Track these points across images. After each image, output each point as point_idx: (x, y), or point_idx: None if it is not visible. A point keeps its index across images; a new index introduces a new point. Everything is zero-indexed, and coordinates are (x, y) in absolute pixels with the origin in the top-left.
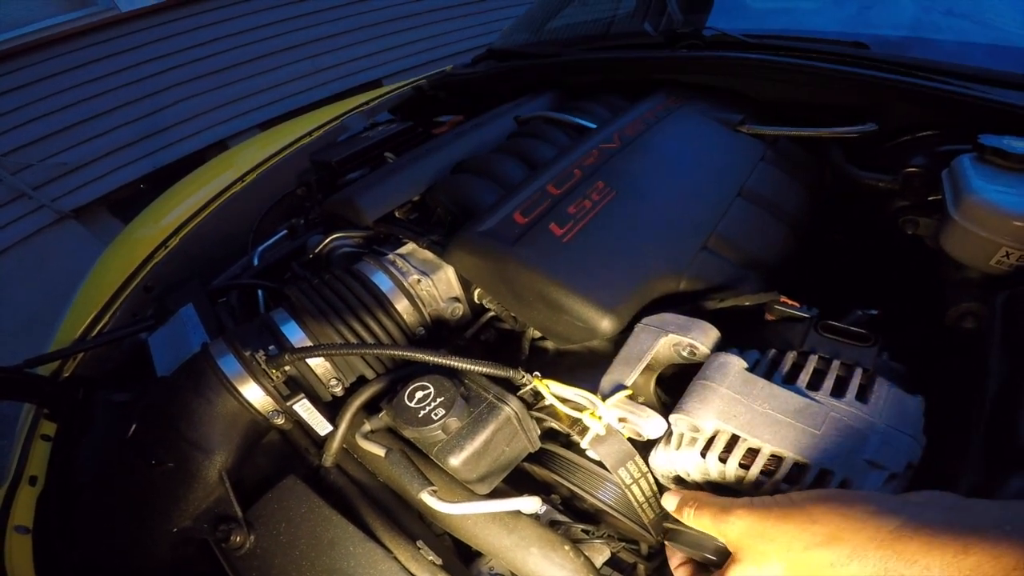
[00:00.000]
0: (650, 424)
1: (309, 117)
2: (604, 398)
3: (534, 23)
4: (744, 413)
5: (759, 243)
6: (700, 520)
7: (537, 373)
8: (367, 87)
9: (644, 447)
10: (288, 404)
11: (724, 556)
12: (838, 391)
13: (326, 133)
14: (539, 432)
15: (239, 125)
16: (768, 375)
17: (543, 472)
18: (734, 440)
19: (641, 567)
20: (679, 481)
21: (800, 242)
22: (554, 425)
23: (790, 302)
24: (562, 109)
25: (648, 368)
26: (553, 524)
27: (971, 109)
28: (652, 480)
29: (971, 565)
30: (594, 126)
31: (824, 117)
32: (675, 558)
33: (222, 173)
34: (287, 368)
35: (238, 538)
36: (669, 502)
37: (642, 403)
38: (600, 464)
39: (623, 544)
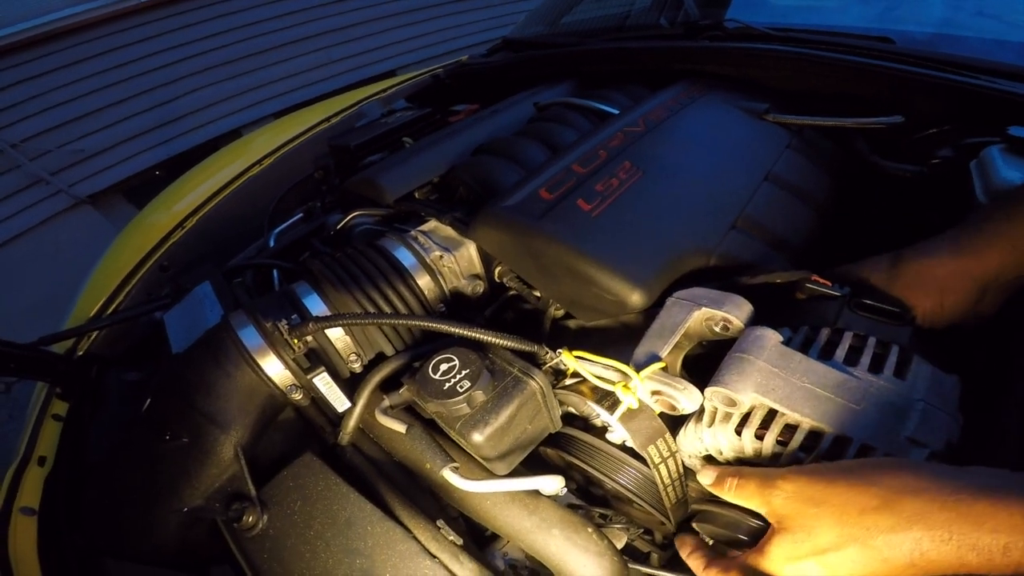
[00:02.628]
0: (687, 396)
1: (325, 104)
2: (638, 370)
3: (549, 15)
4: (783, 387)
5: (787, 226)
6: (743, 492)
7: (564, 348)
8: (380, 78)
9: (671, 427)
10: (308, 377)
11: (757, 537)
12: (875, 368)
13: (343, 119)
14: (560, 412)
15: (253, 115)
16: (803, 351)
17: (558, 456)
18: (771, 416)
19: (655, 555)
20: (710, 460)
21: (827, 227)
22: (571, 409)
23: (822, 280)
24: (582, 96)
25: (677, 346)
26: (572, 508)
27: (997, 103)
28: (679, 461)
29: None
30: (616, 112)
31: (849, 109)
32: (685, 547)
33: (236, 160)
34: (308, 339)
35: (251, 518)
36: (706, 477)
37: None
38: (621, 448)
39: (640, 532)
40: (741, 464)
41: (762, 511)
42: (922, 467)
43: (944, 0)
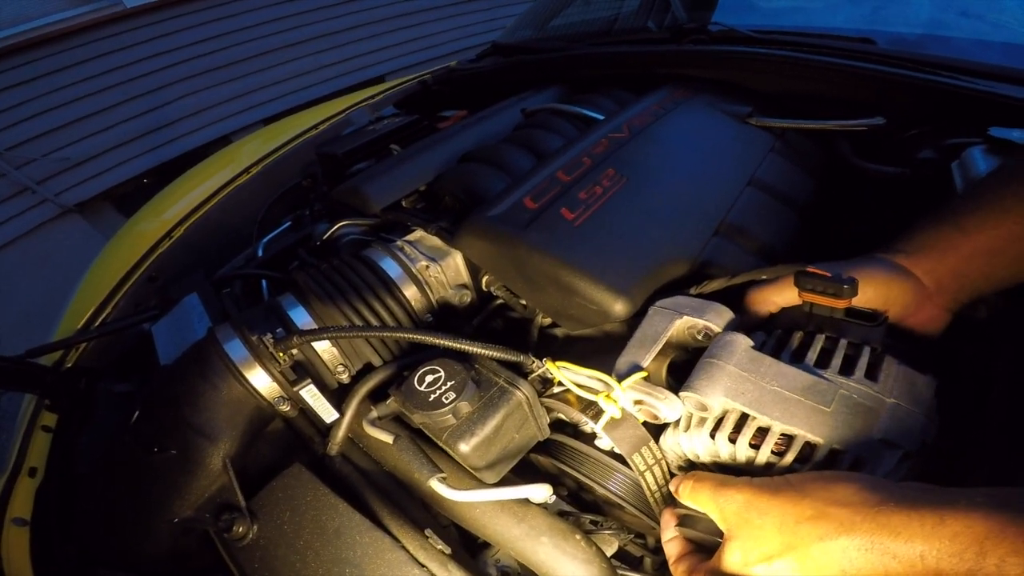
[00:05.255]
0: (668, 405)
1: (313, 111)
2: (620, 379)
3: (538, 20)
4: (752, 390)
5: (770, 231)
6: (697, 496)
7: (548, 358)
8: (370, 83)
9: (654, 434)
10: (295, 390)
11: None
12: (847, 369)
13: (331, 127)
14: (548, 421)
15: (242, 121)
16: (775, 355)
17: (550, 463)
18: (743, 419)
19: (648, 560)
20: (690, 465)
21: (810, 230)
22: (561, 416)
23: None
24: (568, 102)
25: (661, 353)
26: (562, 515)
27: (978, 104)
28: (666, 467)
29: (948, 535)
30: (601, 117)
31: (832, 111)
32: (672, 550)
33: (225, 167)
34: (294, 352)
35: (241, 528)
36: (672, 486)
37: None
38: (610, 453)
39: (631, 536)
40: (720, 468)
41: (714, 517)
42: (857, 480)
43: (929, 1)
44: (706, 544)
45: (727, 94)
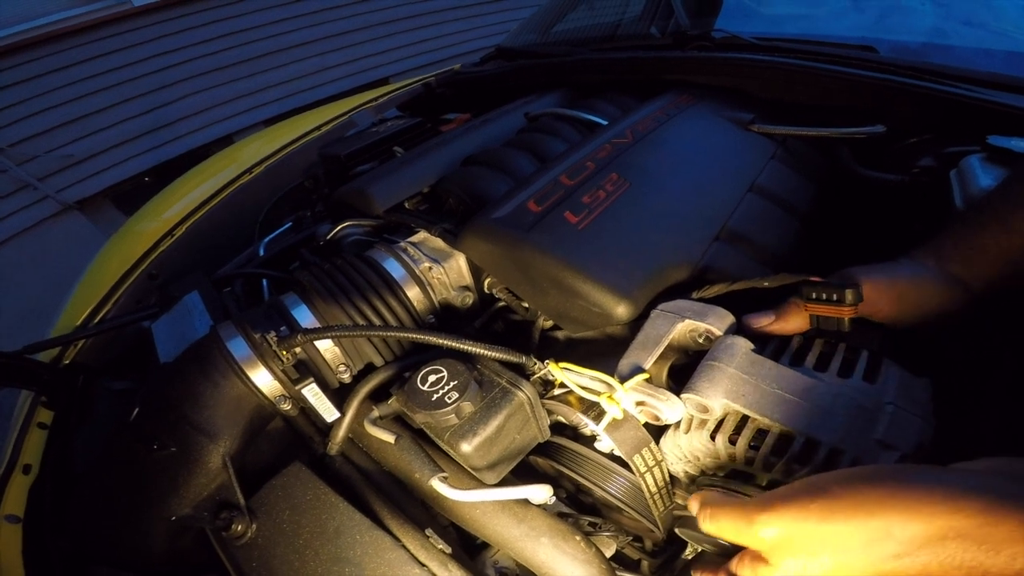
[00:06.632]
0: (669, 407)
1: (316, 113)
2: (622, 381)
3: (542, 24)
4: (752, 392)
5: (771, 236)
6: (719, 525)
7: (551, 359)
8: (374, 86)
9: (654, 437)
10: (297, 388)
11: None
12: (845, 372)
13: (334, 128)
14: (549, 423)
15: (245, 121)
16: (775, 358)
17: (549, 466)
18: (743, 421)
19: (645, 563)
20: (691, 470)
21: (810, 236)
22: (561, 418)
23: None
24: (572, 106)
25: (662, 357)
26: (561, 516)
27: (977, 112)
28: (665, 470)
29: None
30: (605, 122)
31: (833, 118)
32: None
33: (226, 167)
34: (297, 351)
35: (240, 526)
36: (692, 507)
37: None
38: (610, 456)
39: (629, 539)
40: (719, 468)
41: (742, 544)
42: (922, 477)
43: (931, 10)
44: (710, 546)
45: (729, 101)
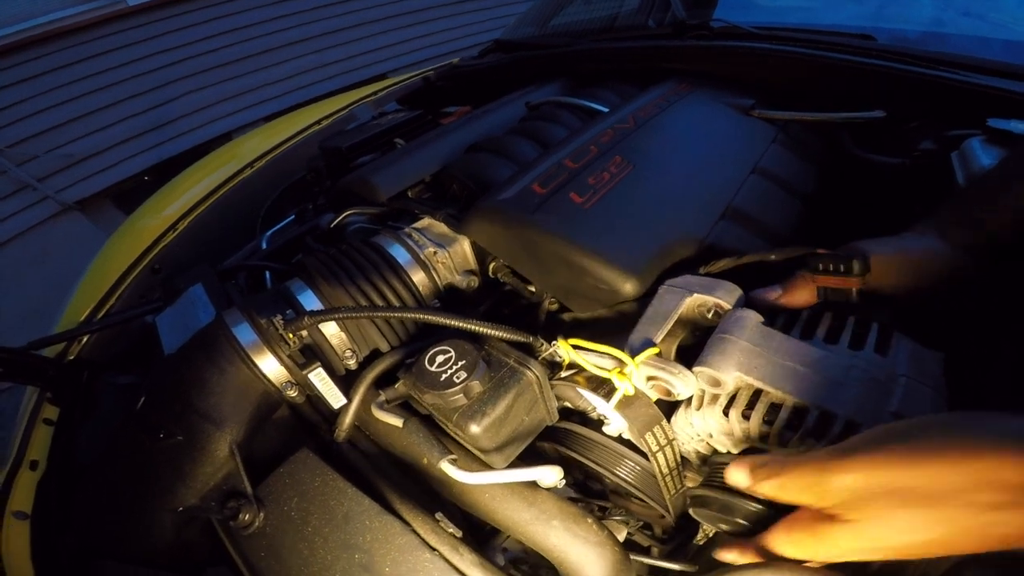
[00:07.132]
0: (682, 380)
1: (316, 107)
2: (632, 355)
3: (540, 17)
4: (765, 365)
5: (774, 216)
6: (788, 490)
7: (560, 336)
8: (372, 81)
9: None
10: (304, 373)
11: (759, 521)
12: (856, 345)
13: (335, 122)
14: (556, 405)
15: (244, 118)
16: (785, 331)
17: (557, 451)
18: (756, 395)
19: (655, 549)
20: (702, 449)
21: (812, 217)
22: (568, 404)
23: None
24: (572, 95)
25: (671, 334)
26: (571, 500)
27: (976, 97)
28: (677, 450)
29: None
30: (606, 110)
31: (834, 104)
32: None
33: (227, 162)
34: (303, 334)
35: (247, 516)
36: (739, 475)
37: None
38: (619, 440)
39: (639, 525)
40: (732, 445)
41: (806, 503)
42: (1003, 427)
43: (930, 1)
44: (728, 525)
45: (730, 87)
